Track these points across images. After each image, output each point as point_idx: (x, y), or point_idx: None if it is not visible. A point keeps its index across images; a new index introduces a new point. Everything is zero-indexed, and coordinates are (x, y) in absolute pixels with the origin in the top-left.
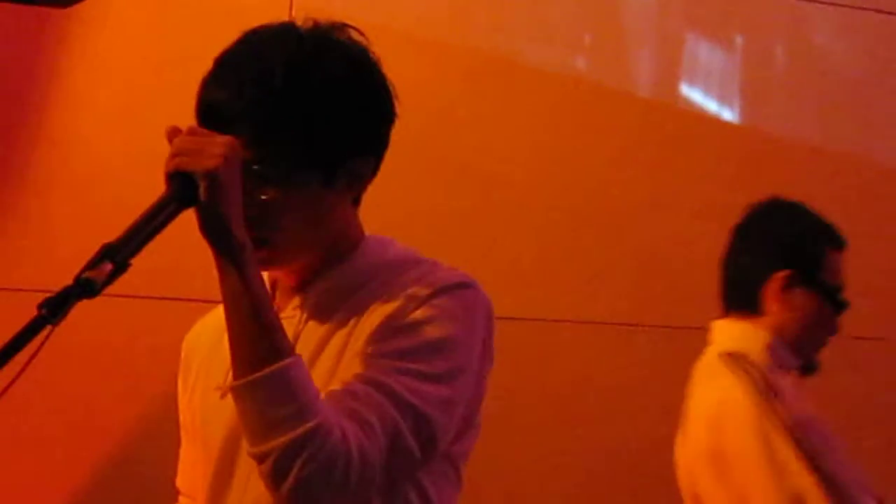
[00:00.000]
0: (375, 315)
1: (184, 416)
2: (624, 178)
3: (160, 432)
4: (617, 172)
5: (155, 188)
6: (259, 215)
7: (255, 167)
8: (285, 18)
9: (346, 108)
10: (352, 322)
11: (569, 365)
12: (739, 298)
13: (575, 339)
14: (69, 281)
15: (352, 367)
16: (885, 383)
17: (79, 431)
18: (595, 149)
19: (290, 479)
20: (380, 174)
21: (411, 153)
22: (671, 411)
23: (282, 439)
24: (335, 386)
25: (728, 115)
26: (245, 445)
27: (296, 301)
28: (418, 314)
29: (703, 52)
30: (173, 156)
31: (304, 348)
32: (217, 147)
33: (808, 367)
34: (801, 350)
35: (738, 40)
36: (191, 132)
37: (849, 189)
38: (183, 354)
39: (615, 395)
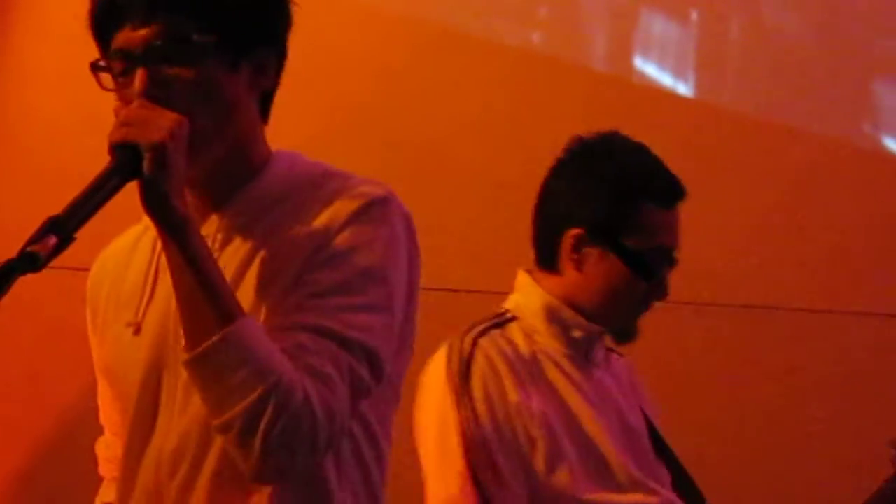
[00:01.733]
0: (298, 240)
1: (97, 356)
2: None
3: None
4: (561, 142)
5: (100, 154)
6: (167, 96)
7: (159, 43)
8: None
9: None
10: (272, 244)
11: None
12: (540, 253)
13: None
14: (12, 253)
15: (284, 304)
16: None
17: (24, 405)
18: (547, 122)
19: (257, 442)
20: (329, 142)
21: (361, 124)
22: None
23: (243, 404)
24: (276, 330)
25: (682, 89)
26: (166, 383)
27: (210, 223)
28: (342, 242)
29: (657, 26)
30: (120, 126)
31: (224, 273)
32: (165, 120)
33: (620, 336)
34: (604, 318)
35: (693, 15)
36: (140, 105)
37: (800, 163)
38: (88, 294)
39: None
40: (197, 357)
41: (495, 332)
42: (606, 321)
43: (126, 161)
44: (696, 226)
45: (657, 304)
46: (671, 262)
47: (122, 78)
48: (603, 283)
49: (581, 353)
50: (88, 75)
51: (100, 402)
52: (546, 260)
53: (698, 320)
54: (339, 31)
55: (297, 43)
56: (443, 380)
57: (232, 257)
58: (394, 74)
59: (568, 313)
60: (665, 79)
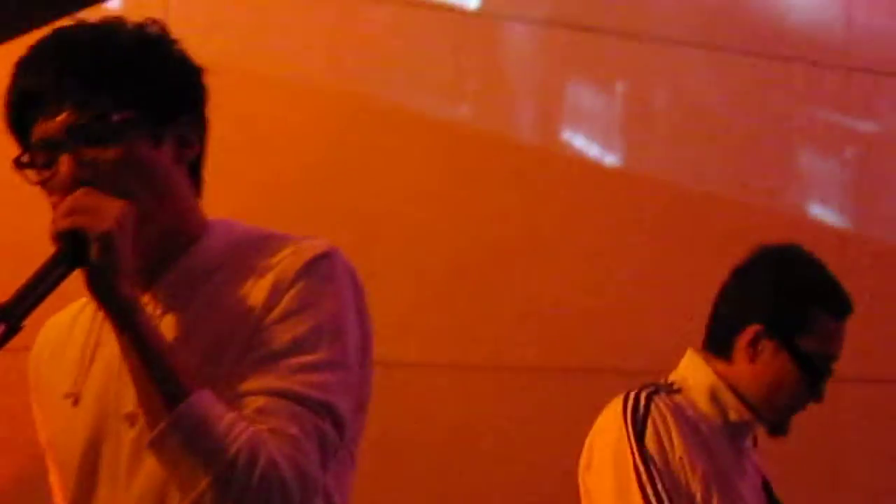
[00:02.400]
0: (244, 305)
1: (41, 432)
2: (504, 223)
3: None
4: (497, 217)
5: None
6: (96, 177)
7: (78, 125)
8: None
9: (158, 66)
10: (215, 312)
11: (448, 409)
12: (715, 340)
13: (453, 383)
14: None
15: (239, 370)
16: None
17: None
18: (475, 194)
19: None
20: (262, 215)
21: (291, 196)
22: (552, 452)
23: (207, 480)
24: (235, 398)
25: (610, 159)
26: (106, 454)
27: (147, 298)
28: (292, 300)
29: (584, 97)
30: (65, 214)
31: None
32: (111, 208)
33: (774, 428)
34: (762, 409)
35: (619, 86)
36: (83, 193)
37: (725, 230)
38: (31, 372)
39: (496, 438)
40: (153, 441)
41: (664, 395)
42: (764, 412)
43: (72, 249)
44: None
45: None
46: (831, 371)
47: (48, 169)
48: (771, 376)
49: (734, 436)
50: None
51: (51, 480)
52: (719, 346)
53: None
54: (273, 106)
55: (231, 117)
56: (619, 425)
57: (170, 328)
58: (326, 148)
59: (729, 396)
60: (593, 150)
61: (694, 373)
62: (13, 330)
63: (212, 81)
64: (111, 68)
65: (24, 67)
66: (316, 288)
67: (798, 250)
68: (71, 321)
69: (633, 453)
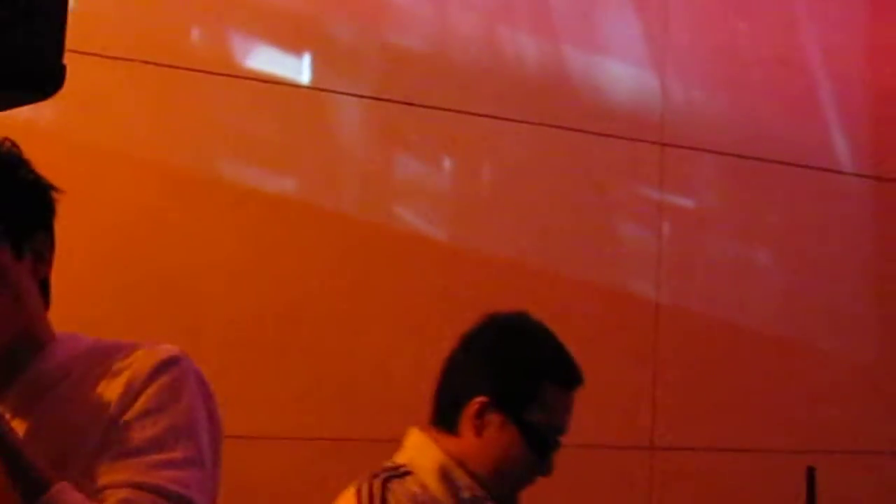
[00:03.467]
0: (95, 406)
1: None
2: (327, 293)
3: None
4: (320, 287)
5: None
6: None
7: None
8: None
9: (17, 183)
10: (61, 416)
11: (273, 482)
12: (441, 414)
13: (279, 455)
14: None
15: (95, 466)
16: None
17: None
18: (301, 266)
19: None
20: (80, 285)
21: (110, 268)
22: None
23: None
24: (96, 492)
25: (436, 232)
26: None
27: None
28: (146, 401)
29: (411, 171)
30: None
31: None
32: None
33: (502, 502)
34: (491, 484)
35: (446, 161)
36: None
37: (554, 305)
38: None
39: None
40: None
41: (396, 482)
42: (492, 488)
43: None
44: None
45: None
46: (557, 443)
47: None
48: (498, 450)
49: None
50: None
51: None
52: (445, 421)
53: None
54: (91, 175)
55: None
56: None
57: (23, 424)
58: (145, 218)
59: (460, 474)
60: (419, 223)
61: (421, 453)
62: None
63: (34, 149)
64: None
65: None
66: (169, 389)
67: (526, 318)
68: None
69: None
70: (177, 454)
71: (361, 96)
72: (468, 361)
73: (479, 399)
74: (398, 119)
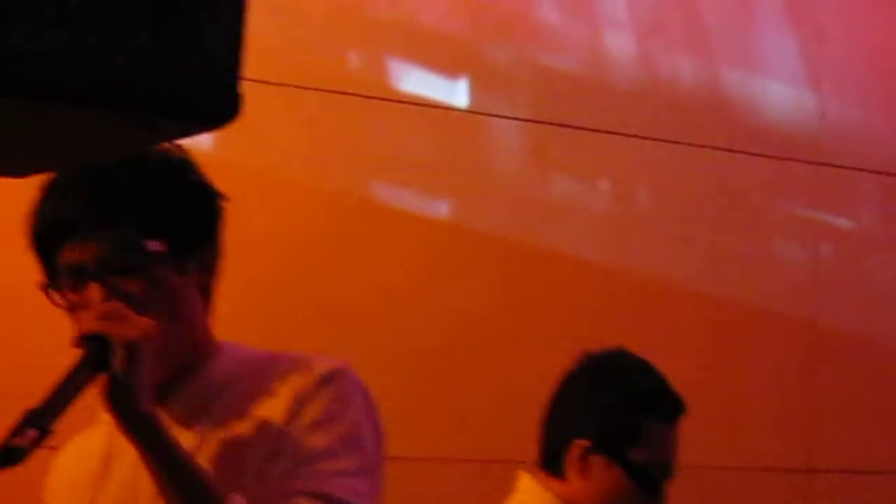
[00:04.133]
0: (263, 416)
1: None
2: (483, 317)
3: None
4: (476, 311)
5: None
6: (126, 302)
7: (110, 256)
8: None
9: (185, 195)
10: (228, 426)
11: (434, 503)
12: (547, 457)
13: (439, 477)
14: None
15: (268, 473)
16: None
17: None
18: (458, 290)
19: None
20: (238, 312)
21: (269, 293)
22: None
23: None
24: (270, 498)
25: (592, 254)
26: None
27: (159, 409)
28: (316, 412)
29: (565, 192)
30: (96, 318)
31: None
32: (141, 321)
33: None
34: None
35: (600, 182)
36: (116, 305)
37: (707, 327)
38: (49, 486)
39: None
40: None
41: None
42: None
43: (97, 354)
44: None
45: None
46: (669, 473)
47: (74, 292)
48: (606, 492)
49: None
50: None
51: None
52: (551, 464)
53: None
54: (248, 200)
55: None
56: None
57: (191, 433)
58: (302, 243)
59: None
60: (575, 247)
61: (532, 498)
62: (44, 434)
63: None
64: (142, 202)
65: (54, 193)
66: (336, 400)
67: (624, 355)
68: (89, 441)
69: None
70: (347, 463)
71: (516, 119)
72: (567, 403)
73: (581, 442)
74: (552, 141)
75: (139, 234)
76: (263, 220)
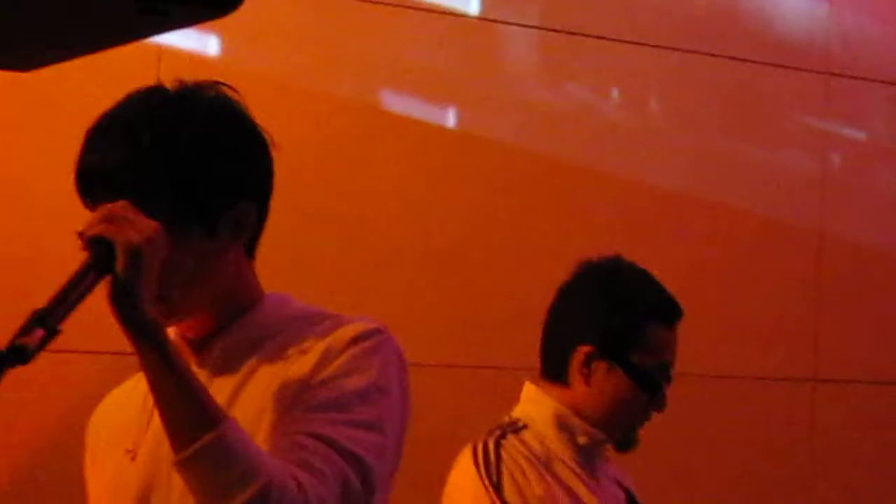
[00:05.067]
0: (295, 368)
1: (93, 489)
2: (491, 225)
3: None
4: (483, 218)
5: None
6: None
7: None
8: (153, 78)
9: (216, 159)
10: (266, 372)
11: (439, 410)
12: (549, 366)
13: (445, 383)
14: None
15: (281, 423)
16: None
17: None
18: (462, 195)
19: None
20: None
21: (281, 198)
22: None
23: (242, 497)
24: (275, 440)
25: (602, 163)
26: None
27: (206, 352)
28: (338, 366)
29: (576, 101)
30: (99, 220)
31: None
32: (144, 225)
33: (622, 444)
34: (607, 428)
35: (611, 91)
36: (122, 205)
37: (713, 235)
38: (89, 439)
39: None
40: (185, 460)
41: (512, 437)
42: (609, 431)
43: (102, 257)
44: None
45: None
46: (669, 377)
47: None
48: (609, 395)
49: (586, 459)
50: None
51: None
52: (554, 372)
53: None
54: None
55: None
56: (474, 477)
57: (225, 383)
58: (309, 148)
59: (576, 421)
60: (587, 154)
61: (536, 406)
62: (51, 334)
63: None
64: (178, 162)
65: (95, 140)
66: (362, 356)
67: (621, 263)
68: (130, 391)
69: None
70: (357, 416)
71: (527, 26)
72: (568, 312)
73: (584, 348)
74: (563, 49)
75: (169, 197)
76: (271, 126)
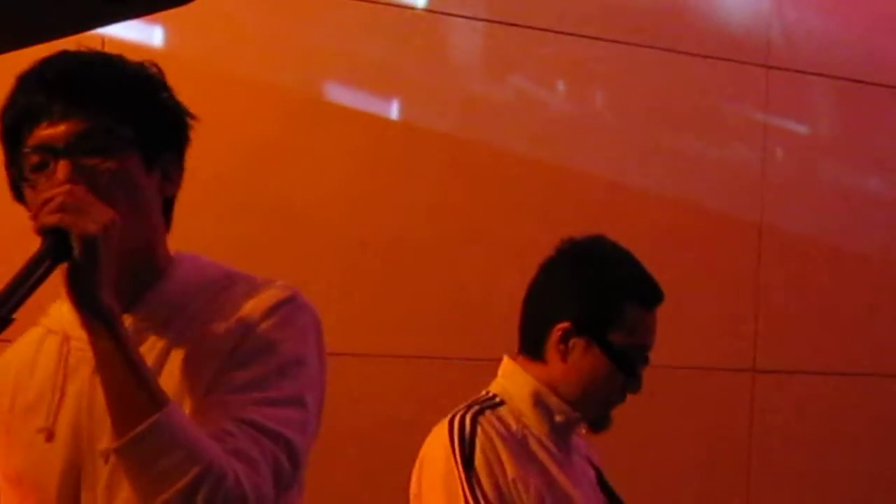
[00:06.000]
0: (212, 342)
1: (5, 463)
2: (433, 215)
3: None
4: (426, 209)
5: None
6: (90, 186)
7: (81, 135)
8: None
9: (156, 98)
10: (185, 345)
11: (380, 400)
12: (527, 342)
13: (386, 373)
14: None
15: (205, 401)
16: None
17: None
18: (405, 186)
19: None
20: (194, 206)
21: (223, 188)
22: None
23: (177, 485)
24: (201, 423)
25: (547, 156)
26: (84, 488)
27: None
28: (255, 342)
29: (518, 92)
30: (54, 209)
31: None
32: (99, 213)
33: (595, 423)
34: (582, 406)
35: (553, 82)
36: (74, 191)
37: (660, 227)
38: None
39: (428, 428)
40: (131, 440)
41: (489, 413)
42: (584, 409)
43: (57, 246)
44: None
45: None
46: (646, 360)
47: (37, 172)
48: (585, 373)
49: (560, 437)
50: None
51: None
52: (532, 349)
53: None
54: (207, 99)
55: None
56: (447, 453)
57: (146, 356)
58: (259, 141)
59: (552, 399)
60: (529, 146)
61: (513, 382)
62: (4, 322)
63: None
64: (119, 90)
65: (31, 79)
66: (279, 330)
67: (604, 242)
68: (34, 351)
69: (462, 481)
70: (279, 393)
71: (472, 18)
72: (548, 288)
73: (562, 325)
74: (508, 41)
75: (108, 118)
76: (214, 117)
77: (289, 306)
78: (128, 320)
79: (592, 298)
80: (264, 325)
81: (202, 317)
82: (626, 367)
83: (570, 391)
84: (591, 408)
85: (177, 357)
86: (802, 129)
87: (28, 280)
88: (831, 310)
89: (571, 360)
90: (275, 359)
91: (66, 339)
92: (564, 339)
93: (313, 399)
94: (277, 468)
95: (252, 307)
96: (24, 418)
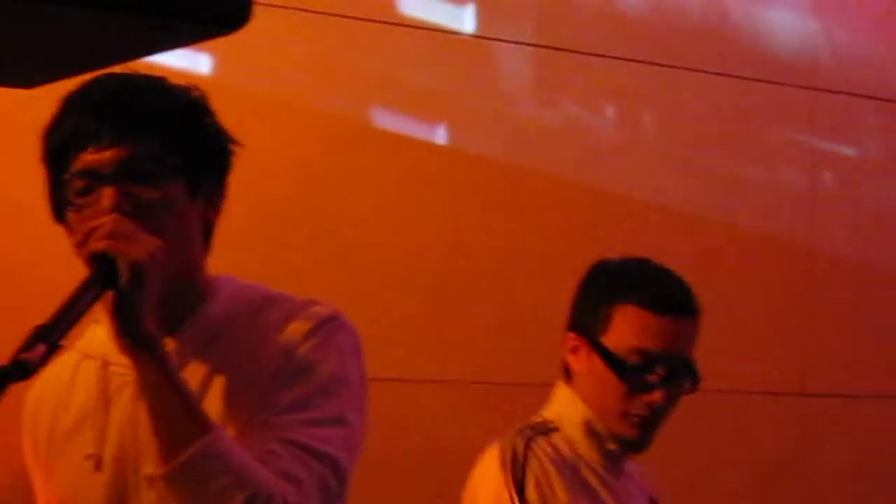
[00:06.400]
0: (255, 365)
1: (45, 489)
2: (480, 240)
3: None
4: (473, 234)
5: None
6: (136, 213)
7: (128, 162)
8: None
9: (202, 124)
10: (228, 369)
11: (426, 424)
12: (563, 364)
13: (433, 398)
14: None
15: (249, 430)
16: None
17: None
18: (452, 211)
19: None
20: (240, 234)
21: (270, 213)
22: None
23: None
24: (247, 446)
25: (593, 178)
26: None
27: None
28: (297, 363)
29: (569, 117)
30: (103, 236)
31: None
32: (147, 241)
33: (625, 445)
34: (600, 417)
35: (603, 107)
36: (123, 220)
37: (706, 251)
38: (27, 425)
39: (474, 453)
40: (179, 467)
41: (542, 439)
42: (608, 425)
43: (106, 273)
44: None
45: None
46: (650, 365)
47: (82, 196)
48: (591, 380)
49: (614, 464)
50: None
51: None
52: (565, 370)
53: None
54: (254, 126)
55: None
56: (498, 477)
57: (189, 381)
58: (306, 167)
59: (603, 427)
60: (576, 170)
61: (567, 408)
62: (52, 349)
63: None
64: (167, 117)
65: (78, 102)
66: (321, 350)
67: (631, 258)
68: (70, 375)
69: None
70: (323, 412)
71: (520, 43)
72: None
73: (570, 335)
74: (556, 66)
75: (159, 148)
76: (264, 143)
77: (330, 326)
78: (170, 345)
79: (586, 303)
80: (306, 346)
81: (243, 339)
82: (619, 370)
83: (590, 405)
84: (609, 418)
85: (220, 381)
86: (850, 152)
87: (76, 306)
88: (882, 331)
89: (581, 370)
90: (317, 378)
91: (105, 364)
92: (574, 349)
93: (356, 417)
94: (324, 488)
95: (294, 328)
96: (64, 443)
